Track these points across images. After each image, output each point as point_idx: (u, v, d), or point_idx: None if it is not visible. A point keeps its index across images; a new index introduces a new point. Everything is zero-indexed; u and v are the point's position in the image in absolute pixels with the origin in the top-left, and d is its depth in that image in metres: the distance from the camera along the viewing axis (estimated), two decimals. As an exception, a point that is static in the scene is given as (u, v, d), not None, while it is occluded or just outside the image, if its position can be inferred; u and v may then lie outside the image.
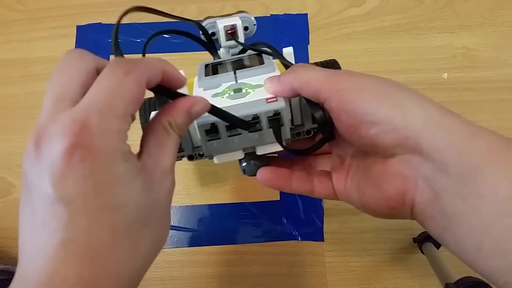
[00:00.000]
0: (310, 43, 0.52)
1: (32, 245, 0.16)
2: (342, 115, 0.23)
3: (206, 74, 0.29)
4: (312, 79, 0.23)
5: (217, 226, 0.46)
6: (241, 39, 0.33)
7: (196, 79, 0.30)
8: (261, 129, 0.25)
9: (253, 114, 0.24)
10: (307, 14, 0.53)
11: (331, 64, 0.33)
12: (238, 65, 0.30)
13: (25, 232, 0.17)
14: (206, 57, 0.53)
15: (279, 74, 0.26)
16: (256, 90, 0.26)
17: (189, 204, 0.46)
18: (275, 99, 0.25)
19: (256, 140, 0.26)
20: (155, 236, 0.19)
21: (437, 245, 0.41)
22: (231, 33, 0.33)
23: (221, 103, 0.25)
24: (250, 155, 0.27)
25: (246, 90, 0.26)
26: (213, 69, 0.30)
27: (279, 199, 0.46)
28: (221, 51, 0.36)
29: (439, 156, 0.20)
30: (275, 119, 0.25)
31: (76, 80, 0.18)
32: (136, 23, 0.54)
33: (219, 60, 0.33)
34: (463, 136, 0.20)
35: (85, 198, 0.16)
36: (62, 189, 0.16)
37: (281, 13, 0.54)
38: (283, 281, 0.44)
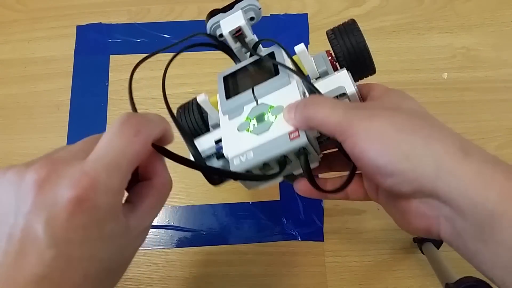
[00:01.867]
0: (310, 43, 0.52)
1: (1, 269, 0.17)
2: (357, 162, 0.23)
3: (226, 93, 0.30)
4: (325, 121, 0.23)
5: (217, 226, 0.46)
6: (250, 36, 0.32)
7: (218, 99, 0.31)
8: (291, 162, 0.27)
9: (279, 156, 0.26)
10: (307, 14, 0.53)
11: (350, 29, 0.30)
12: (256, 74, 0.30)
13: None
14: (206, 57, 0.53)
15: (296, 90, 0.27)
16: (278, 118, 0.27)
17: (189, 204, 0.46)
18: (297, 134, 0.25)
19: (290, 170, 0.28)
20: (115, 281, 0.21)
21: (437, 245, 0.41)
22: (239, 35, 0.32)
23: (249, 142, 0.27)
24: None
25: (268, 117, 0.27)
26: (232, 83, 0.31)
27: (279, 199, 0.46)
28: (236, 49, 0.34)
29: (455, 203, 0.20)
30: (301, 153, 0.26)
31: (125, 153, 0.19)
32: (136, 23, 0.54)
33: (236, 67, 0.32)
34: (475, 186, 0.19)
35: (70, 245, 0.17)
36: (54, 231, 0.17)
37: (281, 13, 0.54)
38: (283, 281, 0.44)
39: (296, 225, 0.45)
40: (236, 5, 0.32)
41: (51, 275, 0.17)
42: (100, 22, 0.55)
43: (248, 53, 0.33)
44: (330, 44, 0.30)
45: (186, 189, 0.47)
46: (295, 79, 0.28)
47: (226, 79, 0.31)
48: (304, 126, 0.25)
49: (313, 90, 0.26)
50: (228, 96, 0.30)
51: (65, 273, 0.17)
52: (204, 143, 0.30)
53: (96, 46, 0.54)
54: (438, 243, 0.41)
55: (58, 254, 0.17)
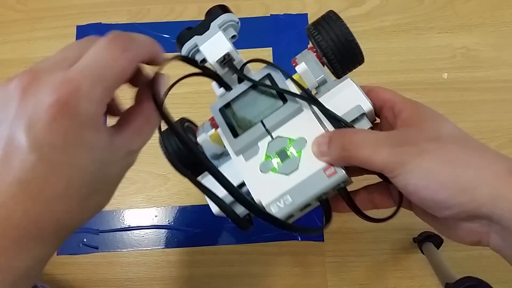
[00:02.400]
0: (310, 43, 0.52)
1: None
2: (410, 197, 0.23)
3: (232, 130, 0.27)
4: (369, 161, 0.23)
5: (217, 226, 0.46)
6: (237, 58, 0.28)
7: (224, 137, 0.28)
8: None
9: (319, 196, 0.25)
10: (307, 14, 0.53)
11: (331, 21, 0.28)
12: (257, 103, 0.28)
13: None
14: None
15: (313, 118, 0.26)
16: (304, 153, 0.25)
17: (189, 204, 0.46)
18: (333, 170, 0.24)
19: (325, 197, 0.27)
20: (100, 202, 0.21)
21: (437, 245, 0.41)
22: (227, 61, 0.28)
23: (281, 185, 0.25)
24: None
25: (291, 153, 0.25)
26: (234, 117, 0.28)
27: (279, 199, 0.46)
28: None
29: (509, 223, 0.21)
30: (340, 186, 0.25)
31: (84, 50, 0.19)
32: (136, 23, 0.54)
33: (230, 97, 0.28)
34: None
35: (52, 150, 0.17)
36: (35, 136, 0.17)
37: (281, 13, 0.54)
38: (283, 281, 0.44)
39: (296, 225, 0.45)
40: (212, 24, 0.27)
41: (34, 180, 0.17)
42: (100, 22, 0.55)
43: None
44: (313, 41, 0.28)
45: (186, 189, 0.47)
46: (307, 105, 0.26)
47: (223, 112, 0.28)
48: (342, 164, 0.24)
49: (339, 121, 0.25)
50: (235, 134, 0.27)
51: (48, 179, 0.17)
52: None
53: (96, 46, 0.54)
54: (438, 243, 0.41)
55: (40, 158, 0.17)
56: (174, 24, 0.54)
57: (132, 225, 0.46)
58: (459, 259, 0.42)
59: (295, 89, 0.27)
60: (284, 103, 0.27)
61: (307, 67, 0.27)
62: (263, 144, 0.26)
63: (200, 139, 0.29)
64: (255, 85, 0.28)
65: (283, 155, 0.26)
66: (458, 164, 0.22)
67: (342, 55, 0.27)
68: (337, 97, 0.26)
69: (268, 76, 0.28)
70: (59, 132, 0.17)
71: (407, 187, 0.23)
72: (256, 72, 0.29)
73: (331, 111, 0.25)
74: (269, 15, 0.54)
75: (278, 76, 0.28)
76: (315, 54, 0.29)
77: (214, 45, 0.27)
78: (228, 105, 0.28)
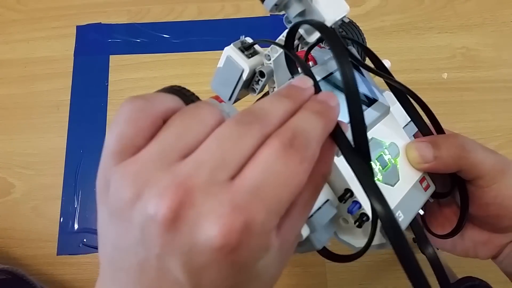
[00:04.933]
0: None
1: None
2: (490, 207, 0.24)
3: None
4: (480, 163, 0.23)
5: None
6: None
7: None
8: None
9: (419, 208, 0.23)
10: (307, 14, 0.53)
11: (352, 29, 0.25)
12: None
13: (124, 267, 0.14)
14: (206, 57, 0.53)
15: (396, 122, 0.24)
16: (400, 161, 0.23)
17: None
18: (427, 183, 0.23)
19: None
20: None
21: (437, 245, 0.41)
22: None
23: (389, 197, 0.20)
24: None
25: (390, 160, 0.23)
26: None
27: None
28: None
29: None
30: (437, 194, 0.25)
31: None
32: (136, 23, 0.54)
33: (321, 73, 0.24)
34: None
35: None
36: (197, 280, 0.13)
37: (281, 13, 0.54)
38: (283, 281, 0.44)
39: (296, 225, 0.45)
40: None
41: None
42: (100, 22, 0.55)
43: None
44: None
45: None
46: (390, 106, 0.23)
47: None
48: (453, 166, 0.23)
49: (426, 129, 0.24)
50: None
51: None
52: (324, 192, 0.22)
53: (96, 46, 0.54)
54: (438, 243, 0.41)
55: None
56: (174, 24, 0.54)
57: (132, 225, 0.46)
58: (459, 259, 0.42)
59: (376, 90, 0.24)
60: (374, 102, 0.23)
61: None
62: None
63: None
64: (326, 78, 0.22)
65: (383, 162, 0.22)
66: None
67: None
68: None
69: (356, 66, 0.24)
70: (225, 277, 0.14)
71: (496, 197, 0.23)
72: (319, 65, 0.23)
73: (424, 122, 0.24)
74: (269, 15, 0.54)
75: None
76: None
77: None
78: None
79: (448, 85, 0.49)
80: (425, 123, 0.24)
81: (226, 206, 0.13)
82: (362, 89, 0.23)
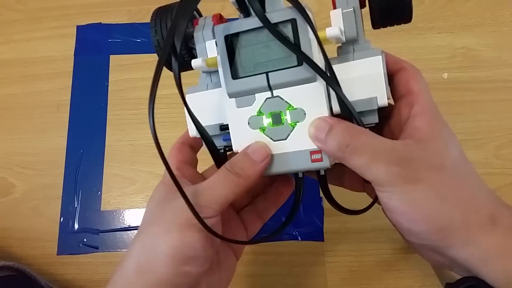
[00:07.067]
0: (310, 43, 0.52)
1: None
2: (387, 213, 0.23)
3: (233, 70, 0.24)
4: (361, 169, 0.22)
5: (217, 226, 0.45)
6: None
7: (220, 66, 0.25)
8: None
9: (295, 172, 0.25)
10: (307, 14, 0.53)
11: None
12: (269, 48, 0.24)
13: None
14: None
15: (322, 94, 0.23)
16: (298, 126, 0.24)
17: (189, 204, 0.46)
18: (320, 157, 0.23)
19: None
20: None
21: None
22: None
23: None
24: None
25: (285, 121, 0.24)
26: (239, 54, 0.24)
27: (279, 199, 0.46)
28: None
29: (473, 268, 0.22)
30: (319, 172, 0.25)
31: None
32: (136, 23, 0.54)
33: (242, 25, 0.24)
34: (497, 258, 0.21)
35: None
36: None
37: None
38: (283, 281, 0.44)
39: (296, 225, 0.45)
40: None
41: None
42: (100, 22, 0.55)
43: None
44: None
45: (186, 189, 0.47)
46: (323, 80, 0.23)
47: (229, 41, 0.24)
48: (334, 158, 0.23)
49: (348, 109, 0.23)
50: (235, 76, 0.24)
51: None
52: (207, 118, 0.26)
53: (96, 46, 0.54)
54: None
55: None
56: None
57: (132, 225, 0.46)
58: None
59: (316, 51, 0.23)
60: (298, 64, 0.23)
61: (342, 19, 0.24)
62: (261, 97, 0.24)
63: (195, 64, 0.25)
64: (274, 27, 0.23)
65: (276, 118, 0.24)
66: (447, 202, 0.21)
67: (388, 3, 0.23)
68: (357, 74, 0.23)
69: (292, 21, 0.23)
70: None
71: (388, 205, 0.22)
72: (282, 9, 0.24)
73: (345, 97, 0.23)
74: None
75: (303, 27, 0.23)
76: None
77: None
78: (236, 35, 0.24)
79: (448, 85, 0.49)
80: (345, 104, 0.23)
81: None
82: (303, 40, 0.23)
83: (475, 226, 0.21)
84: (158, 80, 0.21)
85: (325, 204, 0.46)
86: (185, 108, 0.25)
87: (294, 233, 0.45)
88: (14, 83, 0.53)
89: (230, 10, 0.56)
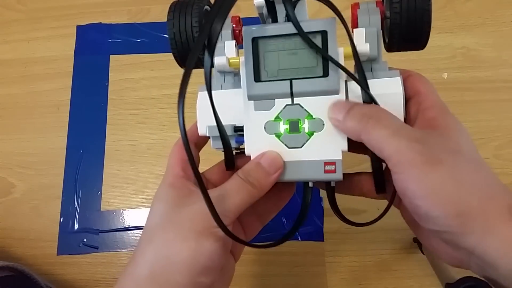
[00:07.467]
0: None
1: None
2: (405, 199, 0.22)
3: (256, 72, 0.24)
4: (381, 144, 0.21)
5: (217, 226, 0.45)
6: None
7: (244, 72, 0.25)
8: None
9: (306, 181, 0.25)
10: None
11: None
12: (297, 56, 0.24)
13: None
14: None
15: (344, 98, 0.24)
16: (314, 135, 0.24)
17: (189, 204, 0.46)
18: (333, 168, 0.23)
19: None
20: None
21: (437, 245, 0.40)
22: None
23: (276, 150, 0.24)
24: None
25: (303, 130, 0.24)
26: (265, 58, 0.24)
27: (279, 199, 0.46)
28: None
29: (491, 261, 0.20)
30: (329, 184, 0.25)
31: None
32: (136, 23, 0.54)
33: (272, 30, 0.24)
34: None
35: None
36: None
37: None
38: (283, 281, 0.44)
39: (296, 225, 0.45)
40: None
41: None
42: (100, 22, 0.55)
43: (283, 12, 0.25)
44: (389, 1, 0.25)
45: (186, 189, 0.47)
46: (343, 89, 0.24)
47: (256, 43, 0.24)
48: (353, 136, 0.23)
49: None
50: (258, 79, 0.24)
51: None
52: (225, 116, 0.25)
53: (96, 46, 0.54)
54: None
55: None
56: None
57: (132, 225, 0.46)
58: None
59: (343, 63, 0.24)
60: (324, 75, 0.24)
61: (365, 38, 0.24)
62: (280, 103, 0.24)
63: (218, 61, 0.25)
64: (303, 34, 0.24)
65: (294, 126, 0.24)
66: (466, 186, 0.21)
67: (408, 30, 0.24)
68: (377, 92, 0.24)
69: (323, 33, 0.24)
70: None
71: (405, 189, 0.21)
72: (315, 20, 0.24)
73: (375, 101, 0.23)
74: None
75: (332, 39, 0.24)
76: (381, 14, 0.25)
77: None
78: (263, 39, 0.24)
79: (448, 85, 0.49)
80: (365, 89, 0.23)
81: None
82: (332, 52, 0.23)
83: (494, 214, 0.20)
84: (189, 77, 0.21)
85: (325, 204, 0.46)
86: (198, 105, 0.25)
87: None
88: (14, 83, 0.53)
89: (245, 12, 0.56)
